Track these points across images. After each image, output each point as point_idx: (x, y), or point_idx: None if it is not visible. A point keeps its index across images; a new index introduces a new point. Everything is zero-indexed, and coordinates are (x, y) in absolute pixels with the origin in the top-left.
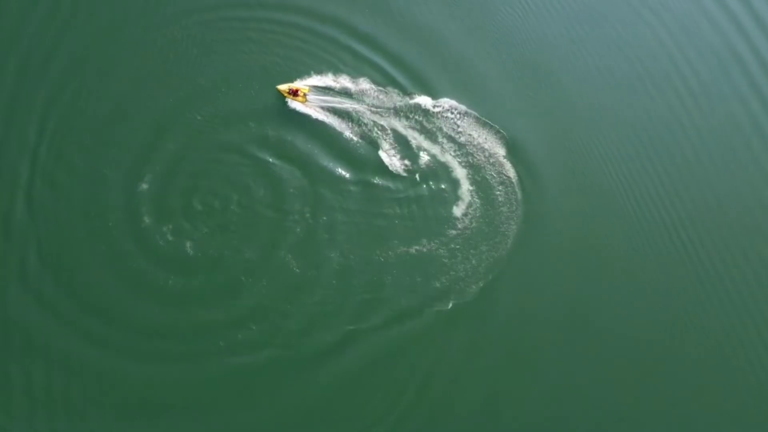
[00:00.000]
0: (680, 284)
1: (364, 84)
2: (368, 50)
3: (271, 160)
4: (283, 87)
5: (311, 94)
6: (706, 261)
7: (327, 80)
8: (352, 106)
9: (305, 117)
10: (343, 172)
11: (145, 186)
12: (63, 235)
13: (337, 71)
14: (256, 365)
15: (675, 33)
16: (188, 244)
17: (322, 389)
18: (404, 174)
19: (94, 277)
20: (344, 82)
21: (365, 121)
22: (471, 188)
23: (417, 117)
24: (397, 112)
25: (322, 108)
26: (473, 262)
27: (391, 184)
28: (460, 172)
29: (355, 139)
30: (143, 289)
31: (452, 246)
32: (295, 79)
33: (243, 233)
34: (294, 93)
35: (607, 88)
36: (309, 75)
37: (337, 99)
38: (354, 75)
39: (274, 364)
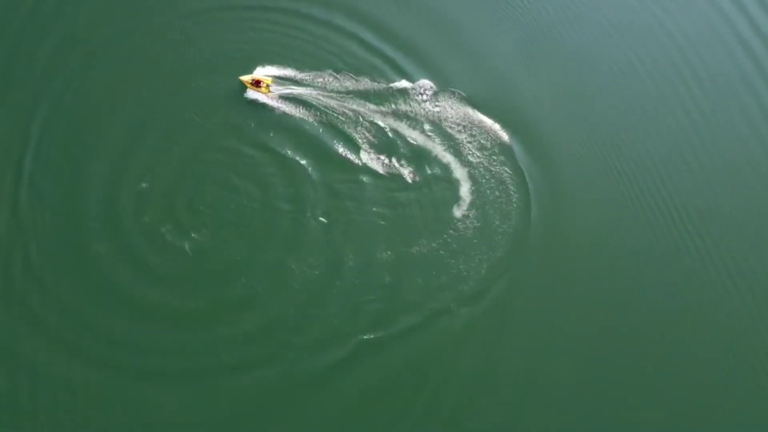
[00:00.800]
0: (695, 282)
1: (364, 79)
2: (363, 35)
3: (263, 155)
4: (246, 78)
5: (274, 85)
6: (717, 259)
7: (325, 75)
8: (316, 95)
9: (294, 114)
10: (329, 172)
11: (140, 187)
12: (51, 244)
13: (333, 64)
14: (258, 381)
15: (684, 26)
16: (185, 250)
17: (326, 405)
18: (387, 172)
19: (84, 289)
20: (344, 78)
21: (345, 113)
22: (475, 187)
23: (403, 106)
24: (381, 101)
25: (283, 98)
26: (484, 266)
27: (380, 185)
28: (461, 171)
29: (333, 135)
30: (139, 302)
31: (460, 249)
32: (255, 69)
33: (241, 235)
34: (257, 84)
35: (615, 83)
36: (308, 68)
37: (304, 90)
38: (353, 70)
39: (277, 379)
